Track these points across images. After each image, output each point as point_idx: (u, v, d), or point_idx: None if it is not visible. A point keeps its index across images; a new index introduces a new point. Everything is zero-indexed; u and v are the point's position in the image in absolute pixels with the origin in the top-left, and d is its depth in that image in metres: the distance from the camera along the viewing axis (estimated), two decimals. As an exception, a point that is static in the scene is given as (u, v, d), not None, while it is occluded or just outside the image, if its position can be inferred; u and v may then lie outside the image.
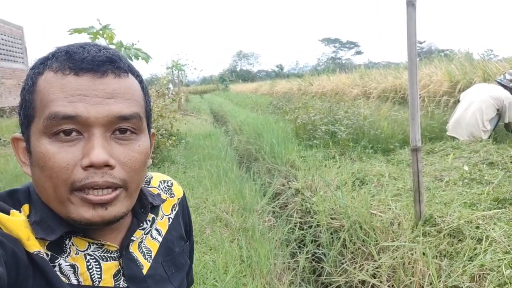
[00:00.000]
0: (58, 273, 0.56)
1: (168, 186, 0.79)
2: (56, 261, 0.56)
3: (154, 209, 0.70)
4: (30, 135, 0.56)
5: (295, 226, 3.01)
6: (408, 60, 2.14)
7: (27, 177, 0.59)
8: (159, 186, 0.77)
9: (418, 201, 2.22)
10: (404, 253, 2.08)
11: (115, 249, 0.62)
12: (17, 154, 0.60)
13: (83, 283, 0.58)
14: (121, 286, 0.61)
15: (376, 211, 2.59)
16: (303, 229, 2.95)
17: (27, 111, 0.56)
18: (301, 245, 2.77)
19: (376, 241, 2.31)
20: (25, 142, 0.58)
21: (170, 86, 13.21)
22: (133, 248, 0.66)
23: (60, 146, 0.53)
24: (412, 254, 2.05)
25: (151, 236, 0.70)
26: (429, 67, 8.15)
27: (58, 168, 0.53)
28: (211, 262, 2.28)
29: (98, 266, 0.60)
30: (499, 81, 4.54)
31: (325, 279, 2.39)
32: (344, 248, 2.48)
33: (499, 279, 1.68)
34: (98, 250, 0.60)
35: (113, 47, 3.85)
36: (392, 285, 2.01)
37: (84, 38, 4.25)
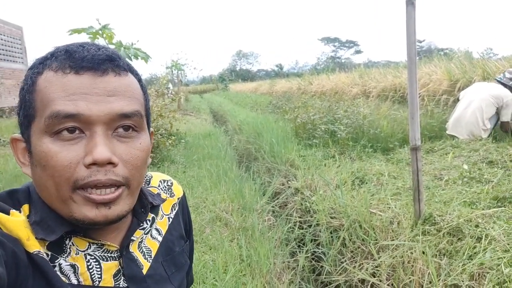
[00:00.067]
0: (58, 273, 0.56)
1: (168, 185, 0.79)
2: (56, 261, 0.56)
3: (154, 208, 0.71)
4: (30, 135, 0.56)
5: (294, 225, 3.01)
6: (407, 59, 2.14)
7: (27, 177, 0.59)
8: (159, 185, 0.77)
9: (418, 200, 2.22)
10: (403, 252, 2.08)
11: (115, 249, 0.62)
12: (16, 155, 0.60)
13: (83, 283, 0.58)
14: (121, 286, 0.61)
15: (375, 210, 2.59)
16: (302, 228, 2.95)
17: (27, 110, 0.56)
18: (301, 244, 2.77)
19: (376, 240, 2.32)
20: (25, 142, 0.58)
21: (170, 85, 13.21)
22: (133, 248, 0.66)
23: (62, 144, 0.53)
24: (411, 253, 2.05)
25: (151, 235, 0.70)
26: (429, 66, 8.16)
27: (60, 166, 0.53)
28: (211, 261, 2.28)
29: (98, 266, 0.60)
30: (498, 79, 4.53)
31: (324, 278, 2.40)
32: (343, 247, 2.49)
33: (498, 278, 1.68)
34: (98, 250, 0.61)
35: (112, 47, 3.85)
36: (392, 284, 2.01)
37: (83, 38, 4.25)
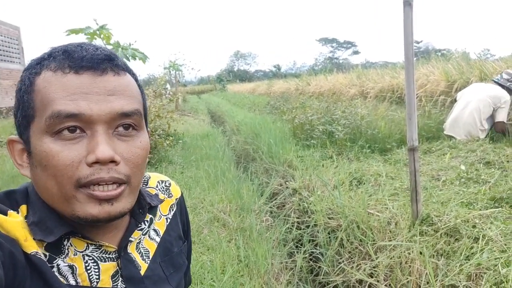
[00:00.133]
0: (56, 273, 0.56)
1: (166, 186, 0.79)
2: (54, 262, 0.56)
3: (152, 209, 0.71)
4: (30, 135, 0.56)
5: (292, 226, 3.01)
6: (405, 60, 2.14)
7: (24, 178, 0.59)
8: (157, 186, 0.77)
9: (415, 201, 2.23)
10: (401, 252, 2.09)
11: (113, 249, 0.62)
12: (13, 157, 0.59)
13: (81, 284, 0.58)
14: (119, 287, 0.61)
15: (373, 211, 2.60)
16: (300, 229, 2.95)
17: (26, 111, 0.56)
18: (299, 245, 2.77)
19: (373, 240, 2.32)
20: (24, 143, 0.58)
21: (168, 86, 13.19)
22: (131, 249, 0.66)
23: (63, 144, 0.53)
24: (409, 254, 2.05)
25: (149, 236, 0.70)
26: (426, 66, 8.16)
27: (62, 166, 0.53)
28: (209, 262, 2.28)
29: (96, 267, 0.60)
30: (496, 80, 4.55)
31: (322, 278, 2.40)
32: (341, 248, 2.49)
33: (495, 278, 1.69)
34: (96, 251, 0.61)
35: (110, 47, 3.85)
36: (389, 285, 2.01)
37: (81, 39, 4.24)
